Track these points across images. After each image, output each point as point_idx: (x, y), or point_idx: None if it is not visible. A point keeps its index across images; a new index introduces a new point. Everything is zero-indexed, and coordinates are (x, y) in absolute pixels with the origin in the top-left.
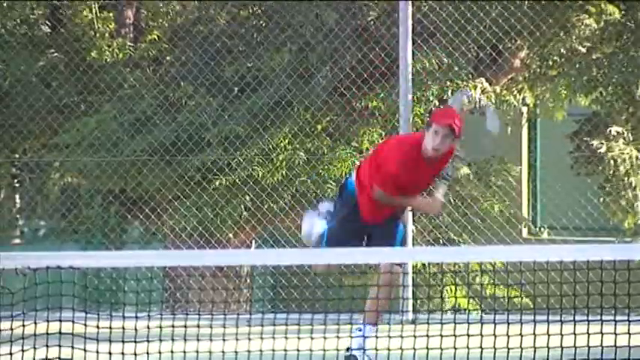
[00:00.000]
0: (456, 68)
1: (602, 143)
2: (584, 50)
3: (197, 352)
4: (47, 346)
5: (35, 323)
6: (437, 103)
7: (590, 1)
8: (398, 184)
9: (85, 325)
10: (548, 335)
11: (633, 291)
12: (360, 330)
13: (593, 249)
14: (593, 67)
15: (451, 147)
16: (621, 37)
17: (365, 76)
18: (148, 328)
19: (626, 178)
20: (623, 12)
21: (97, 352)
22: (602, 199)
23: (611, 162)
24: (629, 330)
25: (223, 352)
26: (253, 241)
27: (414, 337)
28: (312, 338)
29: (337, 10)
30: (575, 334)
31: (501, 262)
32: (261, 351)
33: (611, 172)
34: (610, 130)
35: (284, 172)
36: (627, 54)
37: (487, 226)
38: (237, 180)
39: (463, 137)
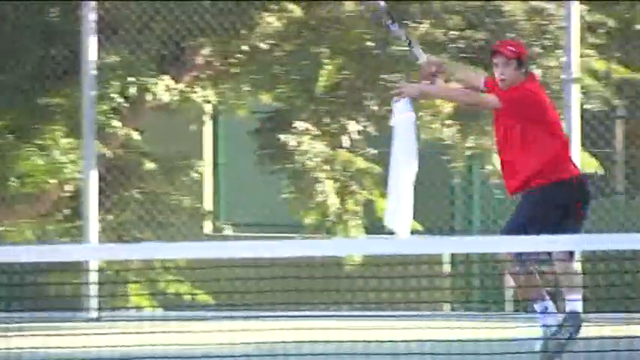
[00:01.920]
0: (140, 65)
1: (289, 138)
2: (266, 47)
3: None
4: None
5: None
6: (120, 101)
7: (272, 0)
8: None
9: None
10: (234, 331)
11: (317, 287)
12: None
13: (277, 245)
14: (275, 64)
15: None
16: (302, 34)
17: (47, 73)
18: None
19: (313, 173)
20: (303, 10)
21: None
22: (286, 196)
23: (299, 157)
24: (312, 325)
25: None
26: None
27: (99, 335)
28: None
29: (17, 7)
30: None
31: (185, 260)
32: None
33: (299, 167)
34: (295, 126)
35: None
36: (308, 51)
37: (172, 223)
38: None
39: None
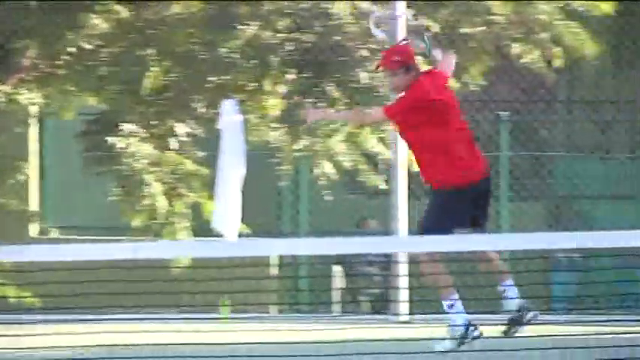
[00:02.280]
0: None
1: (118, 141)
2: (92, 49)
3: None
4: None
5: None
6: None
7: (98, 1)
8: None
9: None
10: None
11: (144, 289)
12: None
13: (104, 248)
14: (101, 66)
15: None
16: (129, 36)
17: None
18: None
19: (141, 176)
20: (131, 12)
21: None
22: (113, 198)
23: (127, 160)
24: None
25: None
26: None
27: None
28: None
29: None
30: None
31: (11, 262)
32: None
33: (126, 169)
34: (122, 128)
35: None
36: (135, 53)
37: None
38: None
39: None
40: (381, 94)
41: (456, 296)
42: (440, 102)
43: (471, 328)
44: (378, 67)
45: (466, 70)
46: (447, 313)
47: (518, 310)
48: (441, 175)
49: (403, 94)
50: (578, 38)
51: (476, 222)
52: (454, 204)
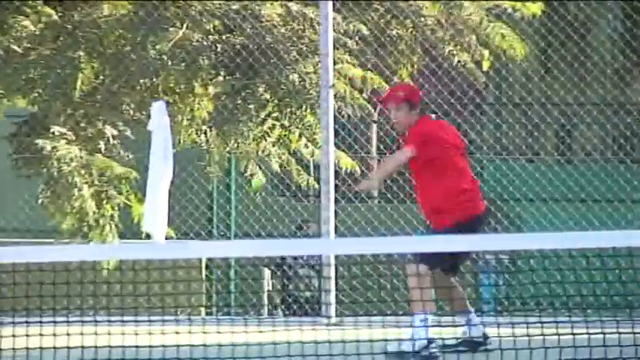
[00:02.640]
0: None
1: (45, 143)
2: (21, 51)
3: None
4: None
5: None
6: None
7: (26, 2)
8: None
9: None
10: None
11: (74, 292)
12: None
13: (33, 250)
14: (30, 67)
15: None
16: (58, 38)
17: None
18: None
19: (70, 178)
20: (60, 13)
21: None
22: (41, 201)
23: (55, 162)
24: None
25: None
26: None
27: None
28: None
29: None
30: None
31: None
32: None
33: (55, 172)
34: (53, 131)
35: None
36: (64, 54)
37: None
38: None
39: None
40: (310, 96)
41: (431, 312)
42: (447, 140)
43: (432, 345)
44: (381, 101)
45: (395, 73)
46: (414, 326)
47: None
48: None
49: (414, 128)
50: (506, 40)
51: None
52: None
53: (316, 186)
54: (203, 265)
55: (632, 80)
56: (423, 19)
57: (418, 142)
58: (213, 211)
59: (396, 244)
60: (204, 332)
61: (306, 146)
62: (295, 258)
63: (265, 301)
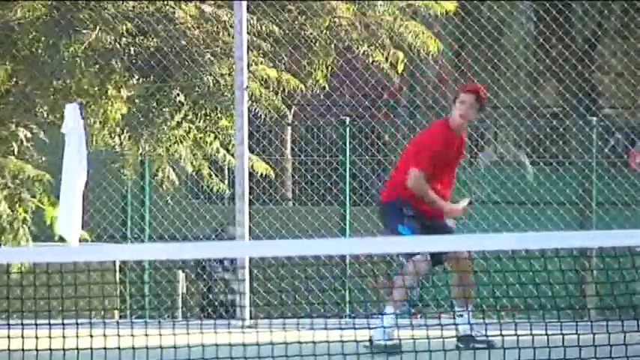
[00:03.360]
0: None
1: None
2: None
3: None
4: None
5: None
6: None
7: None
8: (435, 161)
9: None
10: None
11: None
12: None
13: None
14: None
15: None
16: None
17: None
18: None
19: None
20: None
21: None
22: None
23: None
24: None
25: None
26: None
27: None
28: None
29: None
30: None
31: None
32: None
33: None
34: None
35: None
36: None
37: None
38: None
39: None
40: (224, 98)
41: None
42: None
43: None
44: (477, 96)
45: (310, 75)
46: (383, 314)
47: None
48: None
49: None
50: (419, 38)
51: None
52: None
53: (227, 190)
54: (117, 268)
55: (545, 83)
56: (337, 19)
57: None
58: (127, 214)
59: (310, 247)
60: (118, 335)
61: (218, 150)
62: (215, 261)
63: (180, 304)
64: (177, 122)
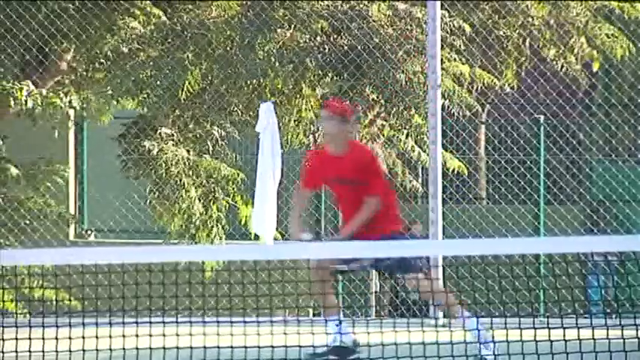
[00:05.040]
0: (1, 70)
1: (153, 145)
2: (129, 52)
3: None
4: None
5: None
6: None
7: (135, 3)
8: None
9: None
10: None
11: (181, 293)
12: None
13: (141, 251)
14: (139, 69)
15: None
16: (167, 39)
17: None
18: None
19: (178, 180)
20: (168, 15)
21: None
22: (149, 202)
23: (163, 163)
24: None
25: None
26: None
27: None
28: None
29: None
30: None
31: (50, 265)
32: None
33: (163, 173)
34: (160, 132)
35: None
36: (173, 56)
37: (35, 228)
38: None
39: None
40: (417, 96)
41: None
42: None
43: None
44: (323, 106)
45: (501, 73)
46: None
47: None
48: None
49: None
50: (610, 40)
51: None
52: None
53: (420, 188)
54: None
55: None
56: (530, 19)
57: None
58: (321, 212)
59: (505, 246)
60: (312, 333)
61: (413, 148)
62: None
63: (373, 302)
64: (370, 120)
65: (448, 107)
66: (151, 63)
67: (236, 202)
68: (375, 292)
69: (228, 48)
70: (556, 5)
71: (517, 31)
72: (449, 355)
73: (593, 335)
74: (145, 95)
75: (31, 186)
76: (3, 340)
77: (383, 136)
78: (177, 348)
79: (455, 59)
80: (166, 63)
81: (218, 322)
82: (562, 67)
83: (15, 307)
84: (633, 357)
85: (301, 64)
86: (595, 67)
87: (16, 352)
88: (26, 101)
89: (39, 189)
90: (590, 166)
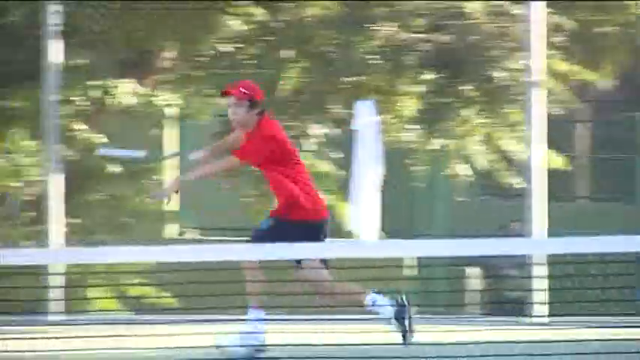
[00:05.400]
0: (103, 68)
1: None
2: (229, 51)
3: None
4: None
5: None
6: (83, 104)
7: (237, 2)
8: None
9: None
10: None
11: (279, 290)
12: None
13: (241, 249)
14: (238, 67)
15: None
16: (265, 37)
17: (10, 76)
18: None
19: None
20: (267, 13)
21: None
22: (248, 199)
23: None
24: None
25: None
26: None
27: (61, 339)
28: None
29: None
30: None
31: (150, 263)
32: None
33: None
34: None
35: None
36: (271, 54)
37: (137, 225)
38: None
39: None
40: (516, 92)
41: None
42: (287, 142)
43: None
44: (224, 93)
45: (601, 70)
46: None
47: None
48: (300, 209)
49: (252, 132)
50: None
51: None
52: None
53: (523, 185)
54: (410, 264)
55: None
56: (629, 16)
57: (257, 148)
58: (416, 210)
59: (607, 244)
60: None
61: (515, 144)
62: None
63: (472, 299)
64: (469, 117)
65: (547, 104)
66: (251, 61)
67: (335, 200)
68: (475, 290)
69: (326, 46)
70: None
71: (617, 28)
72: (551, 354)
73: None
74: None
75: (131, 183)
76: (103, 337)
77: (481, 133)
78: (280, 345)
79: (554, 56)
80: (265, 60)
81: (323, 319)
82: None
83: (115, 305)
84: None
85: (400, 61)
86: None
87: (116, 349)
88: (126, 100)
89: (138, 186)
90: None
